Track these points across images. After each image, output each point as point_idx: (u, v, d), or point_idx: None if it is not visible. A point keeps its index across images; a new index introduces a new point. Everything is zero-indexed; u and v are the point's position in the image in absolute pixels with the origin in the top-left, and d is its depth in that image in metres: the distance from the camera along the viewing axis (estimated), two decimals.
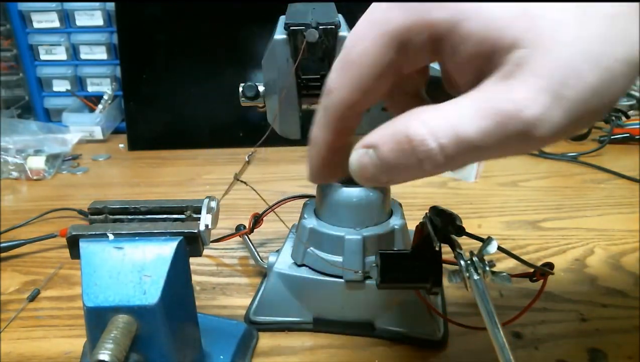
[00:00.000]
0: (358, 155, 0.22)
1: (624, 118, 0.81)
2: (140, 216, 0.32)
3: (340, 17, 0.36)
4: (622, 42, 0.18)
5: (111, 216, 0.32)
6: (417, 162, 0.20)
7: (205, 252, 0.38)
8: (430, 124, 0.20)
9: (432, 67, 0.25)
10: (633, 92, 0.83)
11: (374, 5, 0.22)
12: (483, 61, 0.19)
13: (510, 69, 0.19)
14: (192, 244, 0.30)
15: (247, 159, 0.38)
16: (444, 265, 0.32)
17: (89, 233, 0.29)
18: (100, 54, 0.91)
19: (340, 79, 0.22)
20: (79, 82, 0.93)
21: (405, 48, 0.21)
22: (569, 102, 0.18)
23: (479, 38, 0.19)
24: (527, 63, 0.18)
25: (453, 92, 0.23)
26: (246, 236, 0.50)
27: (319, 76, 0.37)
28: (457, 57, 0.20)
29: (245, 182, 0.39)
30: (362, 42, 0.21)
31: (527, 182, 0.71)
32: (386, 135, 0.21)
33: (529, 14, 0.18)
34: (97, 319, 0.27)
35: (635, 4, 0.18)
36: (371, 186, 0.22)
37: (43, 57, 0.91)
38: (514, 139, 0.19)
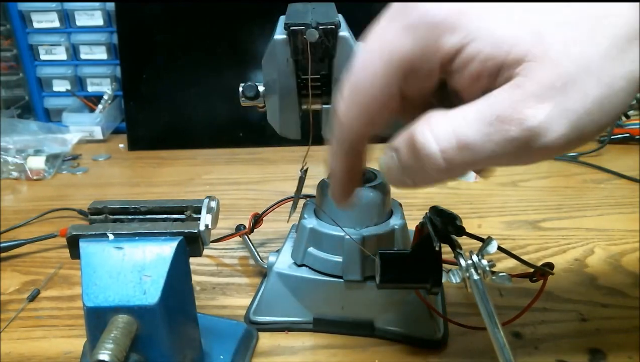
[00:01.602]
0: (385, 158, 0.23)
1: (624, 118, 0.81)
2: (140, 216, 0.32)
3: (340, 17, 0.36)
4: (624, 61, 0.19)
5: (111, 216, 0.32)
6: (422, 166, 0.20)
7: (205, 252, 0.38)
8: (434, 128, 0.20)
9: None
10: None
11: (381, 27, 0.21)
12: (490, 77, 0.20)
13: (516, 80, 0.19)
14: (192, 244, 0.30)
15: (301, 174, 0.40)
16: (444, 265, 0.32)
17: (89, 233, 0.29)
18: (100, 54, 0.91)
19: (350, 111, 0.22)
20: (79, 82, 0.93)
21: (415, 73, 0.21)
22: (573, 113, 0.19)
23: (488, 55, 0.19)
24: (532, 73, 0.19)
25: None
26: (246, 236, 0.50)
27: (319, 76, 0.37)
28: (465, 74, 0.20)
29: (305, 196, 0.42)
30: (370, 71, 0.21)
31: (527, 182, 0.70)
32: (403, 139, 0.21)
33: (538, 33, 0.19)
34: (97, 319, 0.27)
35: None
36: (401, 188, 0.23)
37: (43, 57, 0.91)
38: (516, 146, 0.19)
